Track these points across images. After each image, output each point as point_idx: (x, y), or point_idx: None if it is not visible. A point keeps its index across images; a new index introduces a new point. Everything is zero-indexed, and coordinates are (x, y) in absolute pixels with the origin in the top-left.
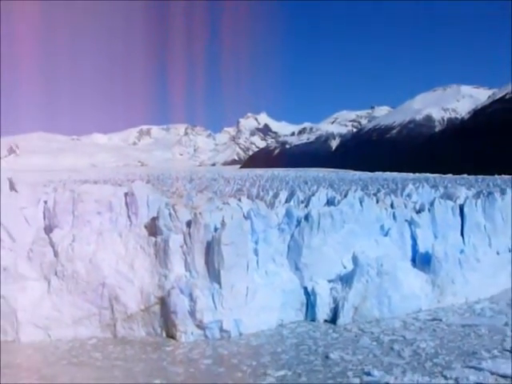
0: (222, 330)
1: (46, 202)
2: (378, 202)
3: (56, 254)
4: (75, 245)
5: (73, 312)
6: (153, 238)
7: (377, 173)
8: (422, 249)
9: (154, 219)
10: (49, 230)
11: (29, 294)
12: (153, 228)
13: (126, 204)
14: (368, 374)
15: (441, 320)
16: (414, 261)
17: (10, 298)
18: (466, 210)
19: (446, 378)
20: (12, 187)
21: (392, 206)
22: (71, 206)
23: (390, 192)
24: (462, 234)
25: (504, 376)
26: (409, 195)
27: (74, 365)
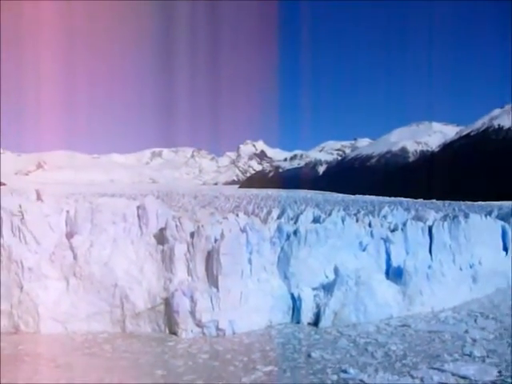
0: (218, 328)
1: (68, 212)
2: (357, 221)
3: (75, 257)
4: (92, 250)
5: (88, 308)
6: (160, 246)
7: (357, 196)
8: (394, 263)
9: (162, 230)
10: (70, 236)
11: (50, 291)
12: (161, 237)
13: (138, 216)
14: (345, 371)
15: (409, 326)
16: (387, 273)
17: (33, 294)
18: (434, 230)
19: (412, 377)
20: (39, 197)
21: (370, 225)
22: (90, 215)
23: (368, 213)
24: (430, 252)
25: (464, 377)
26: (385, 216)
27: (87, 355)
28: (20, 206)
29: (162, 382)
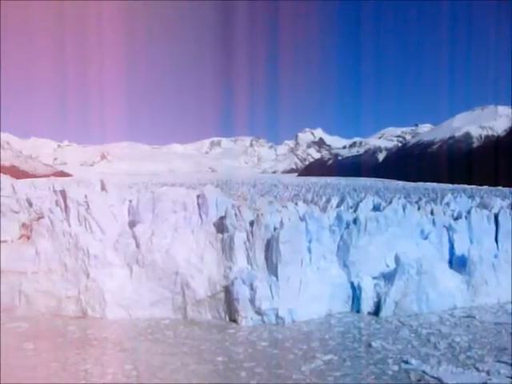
0: (277, 316)
1: (130, 201)
2: (419, 208)
3: (138, 246)
4: (154, 238)
5: (150, 295)
6: (220, 235)
7: (419, 183)
8: (458, 252)
9: (222, 218)
10: (132, 224)
11: (114, 278)
12: (220, 226)
13: (198, 205)
14: (406, 362)
15: (474, 317)
16: (450, 263)
17: (99, 281)
18: (500, 218)
19: (478, 370)
20: (103, 188)
21: (432, 212)
22: (151, 205)
23: (430, 200)
24: (496, 240)
25: None
26: (447, 204)
27: (150, 340)
28: (86, 196)
29: (222, 369)
